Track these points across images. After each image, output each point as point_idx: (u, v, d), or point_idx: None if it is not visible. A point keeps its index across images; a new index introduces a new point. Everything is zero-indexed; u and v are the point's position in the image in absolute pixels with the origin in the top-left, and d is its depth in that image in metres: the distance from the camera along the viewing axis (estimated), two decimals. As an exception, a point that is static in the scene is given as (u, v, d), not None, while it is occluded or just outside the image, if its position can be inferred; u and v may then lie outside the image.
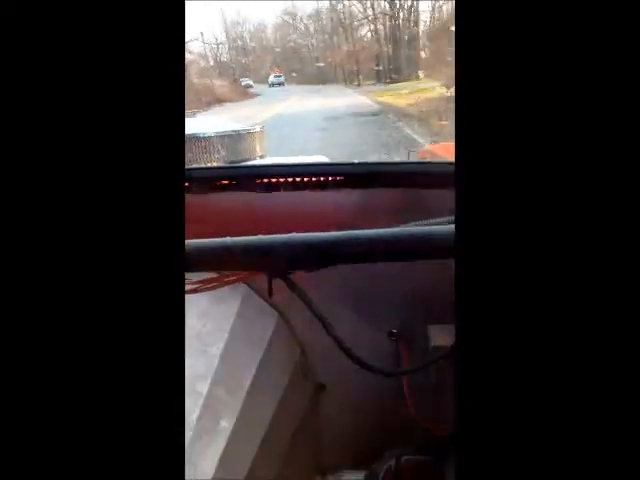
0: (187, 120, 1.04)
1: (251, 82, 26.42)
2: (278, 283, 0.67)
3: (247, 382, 0.69)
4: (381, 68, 24.59)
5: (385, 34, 25.19)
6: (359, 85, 25.00)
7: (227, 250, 0.52)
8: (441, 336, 0.74)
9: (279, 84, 28.88)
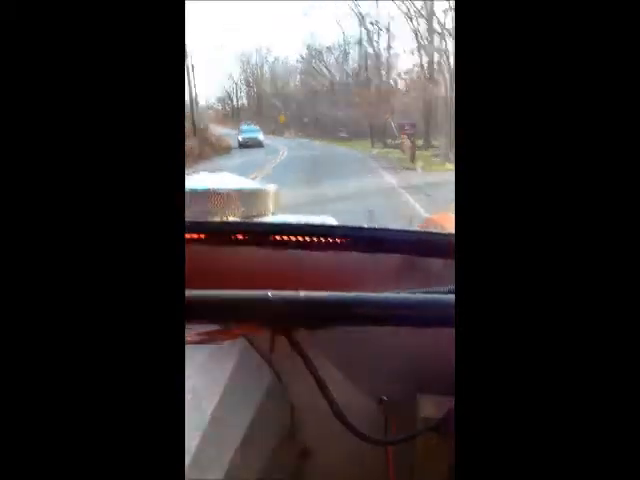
0: (207, 175, 1.15)
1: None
2: (279, 340, 0.68)
3: (237, 442, 0.70)
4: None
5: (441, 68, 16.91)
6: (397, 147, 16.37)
7: (233, 303, 0.53)
8: (430, 407, 0.74)
9: (252, 142, 18.52)
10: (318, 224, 1.16)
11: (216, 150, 17.31)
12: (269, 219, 1.17)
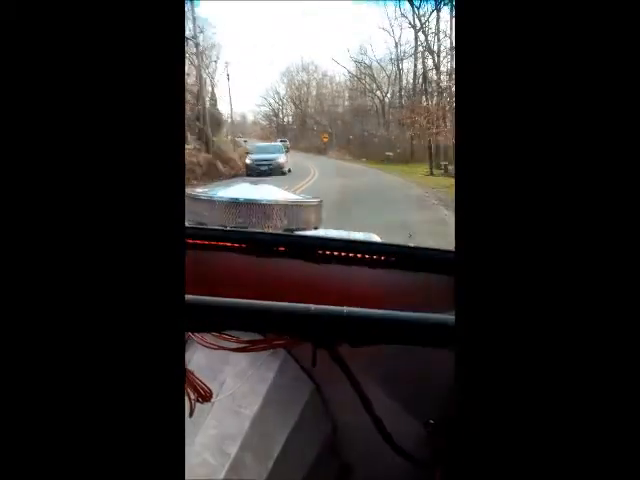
0: (248, 186, 1.16)
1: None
2: (321, 353, 0.68)
3: (275, 452, 0.71)
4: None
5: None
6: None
7: (276, 314, 0.55)
8: None
9: (266, 167, 13.74)
10: (362, 240, 1.15)
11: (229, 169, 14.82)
12: (312, 233, 1.16)
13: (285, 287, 0.78)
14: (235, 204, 1.15)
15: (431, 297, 0.80)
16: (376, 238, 1.23)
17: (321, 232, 1.24)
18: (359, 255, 0.84)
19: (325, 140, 28.88)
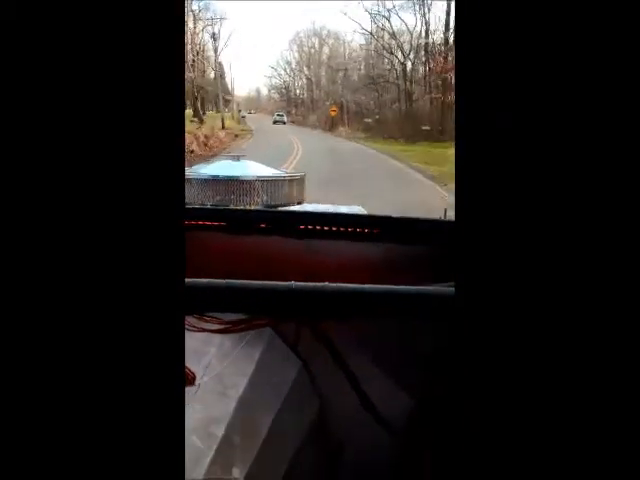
0: (231, 163, 1.15)
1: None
2: (304, 331, 0.74)
3: (263, 431, 0.72)
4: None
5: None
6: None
7: (258, 293, 0.54)
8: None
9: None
10: (344, 213, 1.14)
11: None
12: (295, 208, 1.15)
13: (268, 264, 0.80)
14: (214, 181, 1.15)
15: (416, 268, 0.81)
16: (362, 210, 1.21)
17: (307, 207, 1.23)
18: (342, 229, 0.85)
19: (334, 114, 26.39)
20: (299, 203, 1.24)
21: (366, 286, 0.53)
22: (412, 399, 0.81)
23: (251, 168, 1.26)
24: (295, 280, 0.54)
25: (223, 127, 20.15)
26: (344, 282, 0.54)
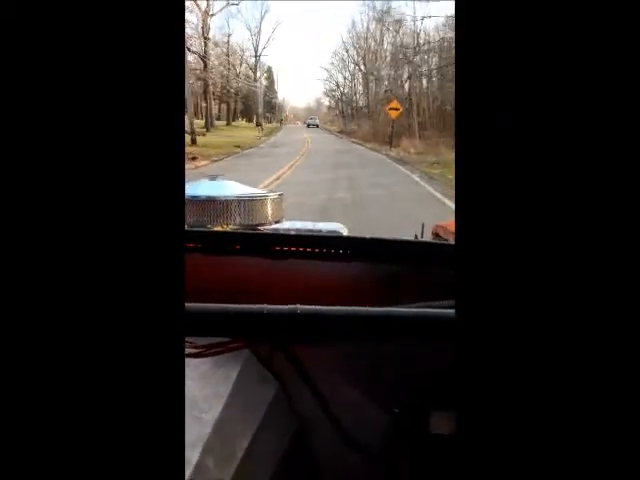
0: (206, 183, 1.18)
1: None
2: (278, 353, 0.74)
3: (239, 454, 0.74)
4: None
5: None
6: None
7: (230, 317, 0.56)
8: (443, 424, 0.78)
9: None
10: (319, 235, 1.15)
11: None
12: (272, 227, 1.17)
13: (242, 286, 0.87)
14: (191, 202, 1.19)
15: (393, 289, 0.84)
16: (341, 228, 1.22)
17: (286, 224, 1.25)
18: (317, 249, 0.90)
19: (394, 115, 19.83)
20: (277, 222, 1.26)
21: (337, 308, 0.56)
22: (386, 418, 0.84)
23: (228, 187, 1.30)
24: (270, 301, 0.57)
25: (193, 142, 19.54)
26: (319, 303, 0.57)
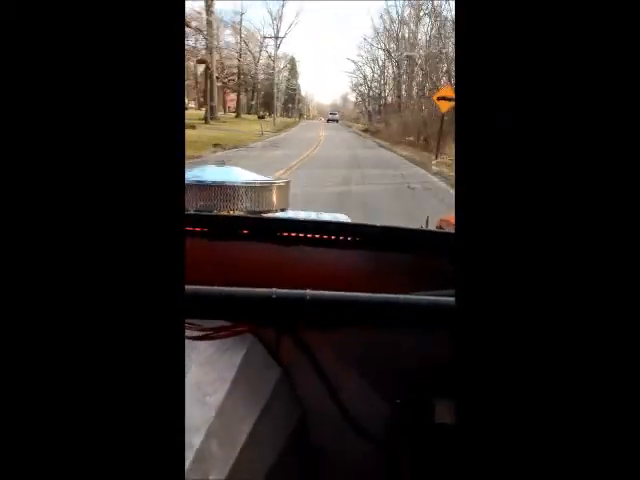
0: (214, 169, 1.21)
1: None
2: (285, 338, 0.75)
3: (242, 438, 0.75)
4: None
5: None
6: None
7: (239, 301, 0.57)
8: (446, 413, 0.79)
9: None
10: (327, 221, 1.16)
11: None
12: (278, 215, 1.19)
13: (250, 271, 0.89)
14: (197, 187, 1.23)
15: (399, 277, 0.86)
16: (345, 218, 1.23)
17: (290, 213, 1.26)
18: (325, 236, 0.92)
19: (445, 107, 13.60)
20: (282, 210, 1.27)
21: (346, 294, 0.58)
22: (391, 406, 0.87)
23: (235, 173, 1.31)
24: (277, 287, 0.58)
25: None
26: (326, 289, 0.58)
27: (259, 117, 30.60)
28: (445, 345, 0.69)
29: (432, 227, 1.40)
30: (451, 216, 1.38)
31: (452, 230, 1.42)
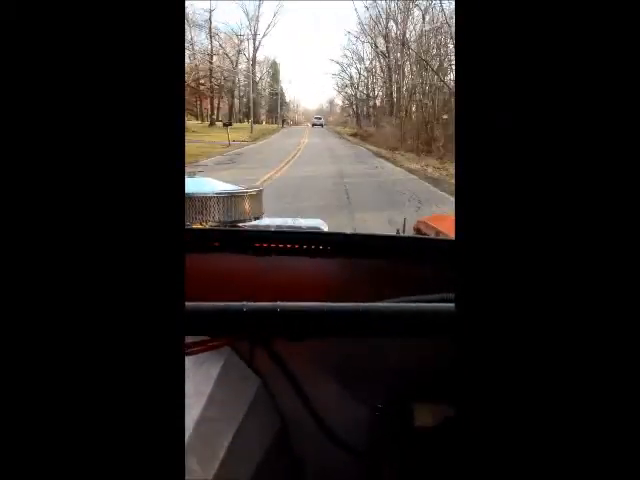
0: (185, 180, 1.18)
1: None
2: (259, 350, 0.74)
3: (221, 452, 0.76)
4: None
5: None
6: None
7: (210, 315, 0.57)
8: (426, 416, 0.80)
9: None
10: (299, 230, 1.16)
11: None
12: (252, 223, 1.18)
13: (224, 284, 0.88)
14: None
15: (376, 285, 0.86)
16: (320, 223, 1.22)
17: (266, 220, 1.24)
18: (296, 246, 0.93)
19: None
20: (257, 218, 1.25)
21: (317, 304, 0.58)
22: (369, 413, 0.86)
23: (207, 185, 1.30)
24: (252, 299, 0.58)
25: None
26: (302, 299, 0.59)
27: (224, 125, 26.31)
28: (425, 350, 0.72)
29: (409, 229, 1.41)
30: (428, 217, 1.38)
31: (428, 232, 1.44)
